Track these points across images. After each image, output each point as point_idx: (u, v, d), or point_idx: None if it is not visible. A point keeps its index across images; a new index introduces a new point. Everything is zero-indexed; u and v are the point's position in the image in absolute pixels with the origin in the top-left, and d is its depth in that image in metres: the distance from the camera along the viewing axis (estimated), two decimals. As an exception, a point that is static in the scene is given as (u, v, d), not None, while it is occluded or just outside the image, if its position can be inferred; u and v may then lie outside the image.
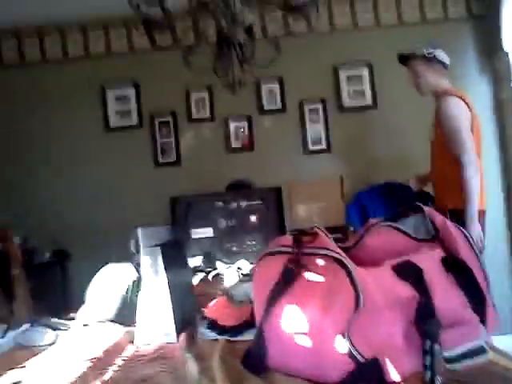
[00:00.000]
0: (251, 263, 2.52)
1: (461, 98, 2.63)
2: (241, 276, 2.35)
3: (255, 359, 0.96)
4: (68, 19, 3.56)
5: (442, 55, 2.74)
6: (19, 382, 1.04)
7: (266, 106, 3.69)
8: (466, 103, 2.62)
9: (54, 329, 1.42)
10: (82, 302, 1.61)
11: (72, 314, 1.62)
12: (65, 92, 3.63)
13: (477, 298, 1.11)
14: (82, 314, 1.53)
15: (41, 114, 3.64)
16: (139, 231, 2.57)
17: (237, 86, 1.59)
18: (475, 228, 2.51)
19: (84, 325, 1.48)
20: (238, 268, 2.48)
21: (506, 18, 3.44)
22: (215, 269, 2.46)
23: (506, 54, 3.47)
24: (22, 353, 1.28)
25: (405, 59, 2.85)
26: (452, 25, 3.68)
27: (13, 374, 1.10)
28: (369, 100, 3.70)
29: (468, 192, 2.51)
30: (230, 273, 2.42)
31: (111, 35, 3.66)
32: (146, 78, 3.64)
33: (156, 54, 3.18)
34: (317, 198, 2.41)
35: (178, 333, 1.30)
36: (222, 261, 2.57)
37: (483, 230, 2.65)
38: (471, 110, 2.62)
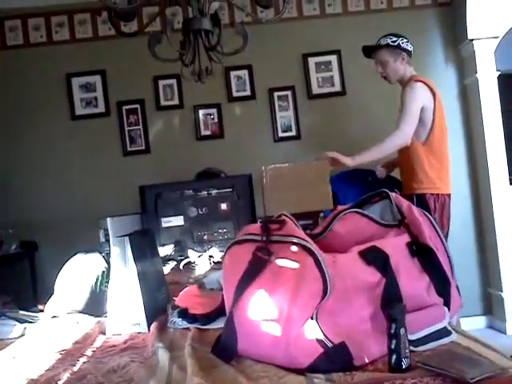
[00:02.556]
0: (222, 251, 2.53)
1: (424, 83, 2.69)
2: (212, 264, 2.36)
3: (225, 347, 0.97)
4: (30, 5, 3.46)
5: (405, 43, 2.78)
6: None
7: (235, 94, 3.67)
8: (430, 89, 2.69)
9: (23, 322, 1.40)
10: (51, 294, 1.59)
11: (40, 306, 1.60)
12: (29, 80, 3.53)
13: (441, 281, 1.14)
14: (50, 306, 1.51)
15: (4, 101, 3.54)
16: (108, 221, 2.56)
17: (204, 75, 1.58)
18: (347, 162, 2.69)
19: (53, 317, 1.46)
20: (210, 256, 2.48)
21: (470, 7, 3.49)
22: (187, 257, 2.46)
23: (471, 41, 3.53)
24: (-11, 346, 1.26)
25: (369, 51, 2.88)
26: (419, 12, 3.72)
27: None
28: (338, 87, 3.72)
29: (378, 147, 2.65)
30: (202, 261, 2.42)
31: (75, 22, 3.57)
32: (112, 66, 3.56)
33: (122, 41, 3.11)
34: (293, 183, 2.44)
35: (150, 322, 1.30)
36: (193, 249, 2.57)
37: (449, 212, 2.73)
38: (434, 95, 2.68)
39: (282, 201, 2.42)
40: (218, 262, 2.34)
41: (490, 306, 3.69)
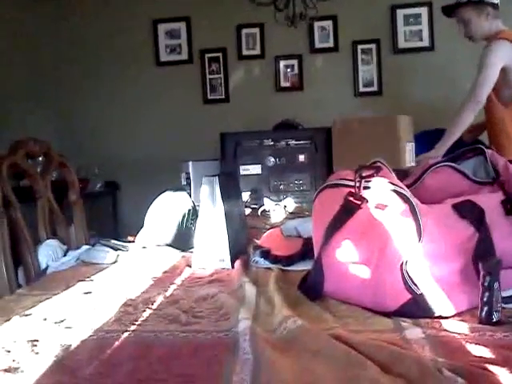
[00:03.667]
0: (297, 202, 2.55)
1: (508, 39, 2.48)
2: (287, 213, 2.40)
3: (312, 285, 1.00)
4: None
5: None
6: (89, 292, 1.12)
7: (318, 45, 3.59)
8: None
9: (116, 249, 1.50)
10: (132, 230, 1.69)
11: (131, 238, 1.70)
12: (115, 26, 3.63)
13: (535, 242, 1.10)
14: (141, 237, 1.61)
15: (92, 46, 3.67)
16: (190, 164, 2.65)
17: (297, 20, 1.56)
18: (437, 152, 2.46)
19: (143, 247, 1.56)
20: (285, 206, 2.52)
21: None
22: (262, 205, 2.51)
23: None
24: (87, 269, 1.37)
25: (450, 10, 2.67)
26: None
27: (82, 286, 1.19)
28: (426, 41, 3.55)
29: (455, 120, 2.49)
30: (277, 210, 2.46)
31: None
32: (197, 13, 3.58)
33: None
34: (371, 137, 2.34)
35: (233, 260, 1.35)
36: (269, 198, 2.61)
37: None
38: None
39: (349, 156, 2.35)
40: (293, 213, 2.38)
41: None
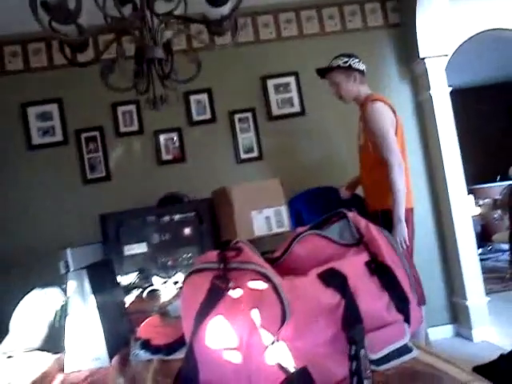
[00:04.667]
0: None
1: (383, 101, 2.73)
2: (178, 290, 2.33)
3: (187, 379, 0.95)
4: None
5: (357, 63, 2.81)
6: None
7: (196, 117, 3.68)
8: (390, 106, 2.73)
9: (-24, 364, 1.34)
10: (6, 333, 1.53)
11: (-4, 346, 1.53)
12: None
13: (400, 298, 1.16)
14: (5, 346, 1.45)
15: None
16: (68, 252, 2.50)
17: (159, 103, 1.58)
18: (402, 227, 2.62)
19: (8, 357, 1.40)
20: (175, 282, 2.45)
21: (420, 27, 3.63)
22: (151, 285, 2.42)
23: (423, 60, 3.66)
24: None
25: (323, 72, 2.92)
26: (371, 33, 3.84)
27: None
28: (297, 107, 3.78)
29: (395, 192, 2.61)
30: (167, 288, 2.39)
31: (29, 51, 3.52)
32: (68, 94, 3.52)
33: (78, 69, 3.07)
34: (258, 202, 2.39)
35: (112, 355, 1.26)
36: (158, 275, 2.53)
37: (413, 226, 2.77)
38: (394, 113, 2.73)
39: (231, 224, 2.37)
40: (184, 288, 2.31)
41: (456, 314, 3.76)
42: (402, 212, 2.61)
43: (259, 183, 2.64)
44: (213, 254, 0.99)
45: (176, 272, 2.59)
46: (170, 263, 2.62)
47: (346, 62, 2.79)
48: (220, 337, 0.92)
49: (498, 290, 4.75)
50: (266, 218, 2.45)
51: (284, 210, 2.45)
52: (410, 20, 3.68)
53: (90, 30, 1.37)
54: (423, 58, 3.65)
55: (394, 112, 2.73)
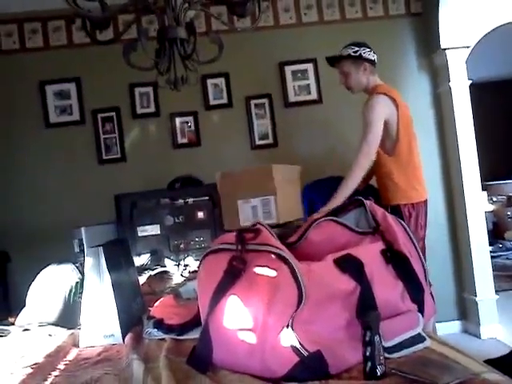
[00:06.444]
0: (198, 260, 2.50)
1: (386, 94, 2.66)
2: (188, 273, 2.34)
3: (201, 357, 0.96)
4: (1, 11, 3.40)
5: (367, 53, 2.73)
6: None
7: (212, 101, 3.66)
8: (393, 99, 2.64)
9: (-8, 335, 1.36)
10: (23, 306, 1.55)
11: (11, 319, 1.56)
12: (2, 87, 3.47)
13: (415, 287, 1.16)
14: (22, 319, 1.47)
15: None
16: (82, 230, 2.52)
17: (179, 83, 1.57)
18: (331, 205, 2.35)
19: (24, 329, 1.43)
20: (185, 265, 2.47)
21: (442, 17, 3.57)
22: (163, 266, 2.44)
23: (444, 51, 3.60)
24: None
25: (333, 61, 2.86)
26: (392, 22, 3.78)
27: None
28: (314, 95, 3.75)
29: (349, 176, 2.53)
30: (178, 270, 2.40)
31: (49, 29, 3.53)
32: (87, 73, 3.52)
33: (97, 48, 3.08)
34: (251, 188, 2.22)
35: (125, 333, 1.28)
36: (169, 258, 2.55)
37: (425, 219, 2.74)
38: (397, 107, 2.64)
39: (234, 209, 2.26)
40: (194, 271, 2.33)
41: (465, 310, 3.74)
42: (336, 201, 2.42)
43: (250, 170, 2.44)
44: (230, 236, 1.00)
45: (188, 255, 2.61)
46: (182, 246, 2.63)
47: (357, 51, 2.71)
48: (235, 317, 0.92)
49: (507, 287, 4.72)
50: (252, 207, 2.28)
51: (272, 200, 2.26)
52: (432, 9, 3.62)
53: (112, 7, 1.37)
54: (444, 49, 3.59)
55: (396, 105, 2.64)
